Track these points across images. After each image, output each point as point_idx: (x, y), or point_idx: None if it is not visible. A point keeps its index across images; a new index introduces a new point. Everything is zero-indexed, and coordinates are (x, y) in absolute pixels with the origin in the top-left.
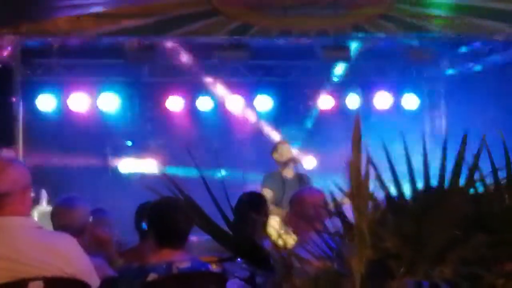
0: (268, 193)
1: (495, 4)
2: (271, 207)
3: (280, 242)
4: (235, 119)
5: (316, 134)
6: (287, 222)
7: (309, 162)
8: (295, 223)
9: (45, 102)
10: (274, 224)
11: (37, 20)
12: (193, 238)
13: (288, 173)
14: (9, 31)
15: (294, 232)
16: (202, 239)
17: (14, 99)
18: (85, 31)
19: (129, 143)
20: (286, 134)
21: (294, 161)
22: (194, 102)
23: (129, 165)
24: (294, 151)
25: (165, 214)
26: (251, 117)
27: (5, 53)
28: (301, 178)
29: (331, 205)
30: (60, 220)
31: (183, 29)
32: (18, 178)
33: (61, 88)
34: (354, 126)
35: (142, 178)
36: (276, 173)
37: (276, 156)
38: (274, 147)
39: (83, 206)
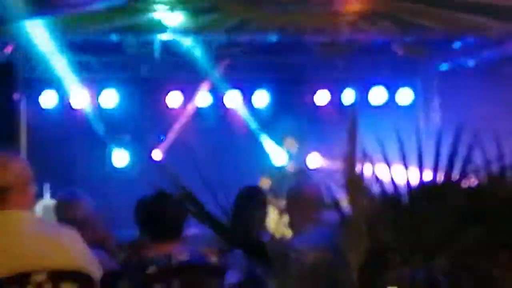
0: (266, 182)
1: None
2: (269, 197)
3: (278, 234)
4: (233, 115)
5: (313, 130)
6: (285, 212)
7: (314, 159)
8: (292, 216)
9: (47, 99)
10: (272, 216)
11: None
12: (192, 230)
13: (289, 166)
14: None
15: (291, 224)
16: (201, 232)
17: (16, 96)
18: (85, 28)
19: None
20: (283, 130)
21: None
22: (194, 98)
23: (129, 160)
24: (294, 146)
25: (156, 210)
26: (249, 113)
27: (7, 50)
28: (301, 172)
29: (327, 198)
30: (63, 214)
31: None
32: (19, 173)
33: (62, 84)
34: (350, 121)
35: (142, 173)
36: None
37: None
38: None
39: (85, 200)
